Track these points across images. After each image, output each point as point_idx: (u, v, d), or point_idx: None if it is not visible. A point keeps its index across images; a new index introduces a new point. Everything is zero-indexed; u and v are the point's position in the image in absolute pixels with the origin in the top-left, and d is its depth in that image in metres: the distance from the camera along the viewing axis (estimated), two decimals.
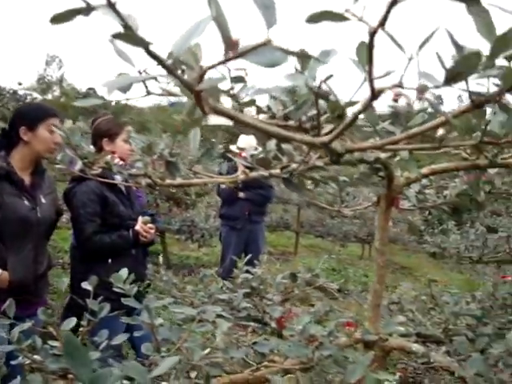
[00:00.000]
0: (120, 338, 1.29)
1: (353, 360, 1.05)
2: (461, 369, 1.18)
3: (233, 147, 4.22)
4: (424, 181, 1.72)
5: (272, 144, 1.17)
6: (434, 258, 11.99)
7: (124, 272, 1.30)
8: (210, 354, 1.09)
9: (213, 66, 0.62)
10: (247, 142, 4.24)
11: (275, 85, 0.93)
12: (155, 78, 0.69)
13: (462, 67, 0.65)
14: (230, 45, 0.58)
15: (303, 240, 10.42)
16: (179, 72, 0.65)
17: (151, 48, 0.58)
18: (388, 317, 1.41)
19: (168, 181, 1.78)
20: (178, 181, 1.80)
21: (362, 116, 0.83)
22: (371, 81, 0.68)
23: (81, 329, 1.28)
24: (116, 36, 0.55)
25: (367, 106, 0.74)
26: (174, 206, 7.63)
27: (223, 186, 5.04)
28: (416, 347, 1.48)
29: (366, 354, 1.62)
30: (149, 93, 0.75)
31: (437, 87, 0.70)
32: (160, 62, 0.60)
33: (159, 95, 0.79)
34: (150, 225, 2.77)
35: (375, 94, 0.70)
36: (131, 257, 2.73)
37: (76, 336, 0.88)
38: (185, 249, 8.42)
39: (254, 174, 1.70)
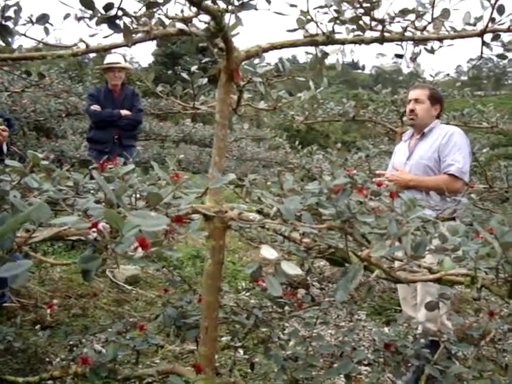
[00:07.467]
0: None
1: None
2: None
3: None
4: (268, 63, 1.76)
5: None
6: None
7: None
8: None
9: None
10: None
11: None
12: None
13: None
14: None
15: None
16: None
17: None
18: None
19: (5, 55, 1.67)
20: (16, 54, 1.69)
21: None
22: None
23: None
24: None
25: None
26: (44, 136, 7.25)
27: (93, 108, 4.78)
28: (253, 215, 1.55)
29: (207, 226, 1.67)
30: None
31: None
32: None
33: None
34: (2, 127, 2.66)
35: None
36: None
37: None
38: None
39: (93, 47, 1.64)
